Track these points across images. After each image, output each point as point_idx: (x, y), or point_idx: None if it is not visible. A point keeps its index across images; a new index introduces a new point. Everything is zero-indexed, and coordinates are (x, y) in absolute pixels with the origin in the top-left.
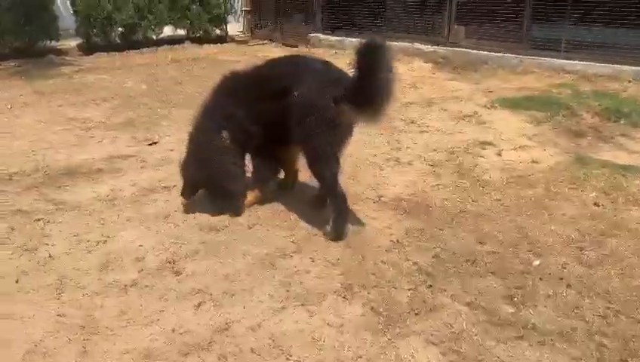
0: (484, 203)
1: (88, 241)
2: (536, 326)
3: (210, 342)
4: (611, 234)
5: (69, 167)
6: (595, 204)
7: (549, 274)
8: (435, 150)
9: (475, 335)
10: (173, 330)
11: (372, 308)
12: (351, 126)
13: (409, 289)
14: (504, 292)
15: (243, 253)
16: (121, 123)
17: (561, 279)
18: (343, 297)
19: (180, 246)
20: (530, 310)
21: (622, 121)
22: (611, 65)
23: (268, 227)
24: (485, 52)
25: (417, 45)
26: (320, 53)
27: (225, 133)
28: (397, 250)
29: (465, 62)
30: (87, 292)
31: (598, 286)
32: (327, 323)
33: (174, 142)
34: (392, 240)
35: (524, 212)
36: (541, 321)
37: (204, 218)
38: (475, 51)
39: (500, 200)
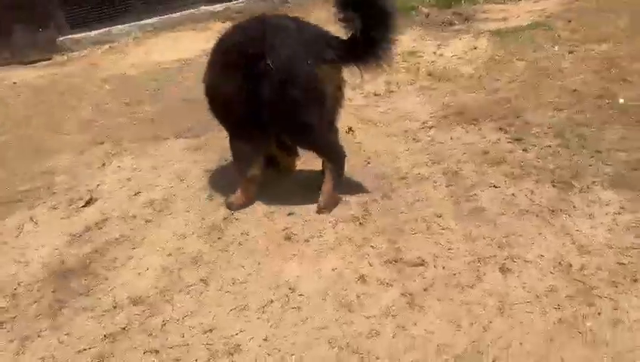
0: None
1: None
2: None
3: None
4: None
5: (68, 266)
6: None
7: None
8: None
9: None
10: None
11: None
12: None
13: None
14: None
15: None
16: (19, 198)
17: None
18: None
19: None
20: None
21: (463, 3)
22: None
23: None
24: None
25: (205, 8)
26: (85, 54)
27: None
28: None
29: (263, 8)
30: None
31: None
32: None
33: (115, 190)
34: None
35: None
36: None
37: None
38: None
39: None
